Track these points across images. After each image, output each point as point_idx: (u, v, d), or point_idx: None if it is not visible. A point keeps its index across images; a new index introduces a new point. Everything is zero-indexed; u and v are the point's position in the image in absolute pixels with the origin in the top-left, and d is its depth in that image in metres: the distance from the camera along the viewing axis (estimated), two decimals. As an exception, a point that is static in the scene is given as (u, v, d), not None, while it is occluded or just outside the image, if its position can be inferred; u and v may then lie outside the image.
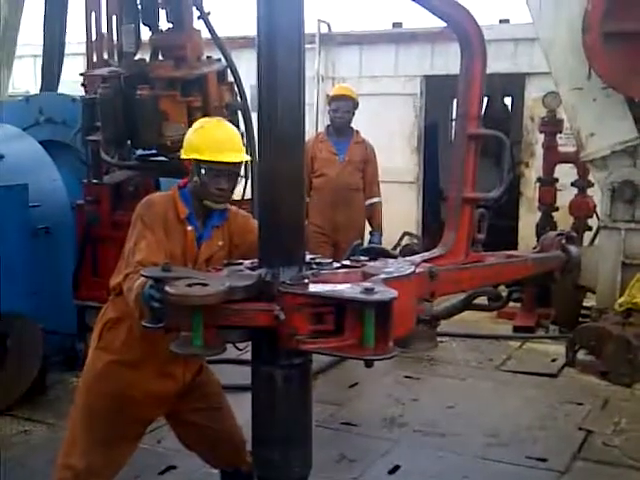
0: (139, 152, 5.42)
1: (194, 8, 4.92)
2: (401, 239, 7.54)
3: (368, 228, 6.40)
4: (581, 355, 6.08)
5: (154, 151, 5.14)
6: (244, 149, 3.05)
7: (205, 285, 2.23)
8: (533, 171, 9.57)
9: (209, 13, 4.96)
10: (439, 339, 6.70)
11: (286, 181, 2.34)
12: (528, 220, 9.19)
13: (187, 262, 2.91)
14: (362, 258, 2.61)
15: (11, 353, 5.18)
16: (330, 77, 10.33)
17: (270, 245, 2.38)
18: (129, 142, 5.18)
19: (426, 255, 2.83)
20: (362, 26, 10.80)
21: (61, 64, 7.21)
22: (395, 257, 2.79)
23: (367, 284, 2.23)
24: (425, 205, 10.93)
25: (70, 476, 3.03)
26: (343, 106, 6.21)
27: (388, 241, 8.01)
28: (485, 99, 13.14)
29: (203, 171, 2.93)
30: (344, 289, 2.24)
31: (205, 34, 5.14)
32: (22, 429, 4.81)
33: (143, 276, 2.45)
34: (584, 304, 7.10)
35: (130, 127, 4.98)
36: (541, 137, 8.10)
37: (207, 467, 3.56)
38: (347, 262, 2.58)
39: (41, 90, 7.34)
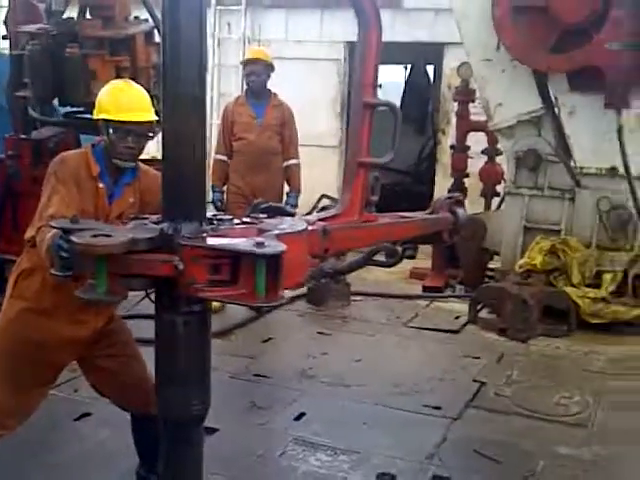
0: (64, 110, 5.49)
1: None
2: (319, 201, 7.78)
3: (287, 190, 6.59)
4: (484, 314, 6.50)
5: (81, 109, 5.24)
6: (152, 110, 3.20)
7: (109, 236, 2.40)
8: (449, 139, 9.89)
9: (136, -28, 5.04)
10: (352, 298, 6.98)
11: (187, 140, 2.50)
12: (443, 185, 9.54)
13: (99, 218, 3.05)
14: (261, 216, 2.81)
15: None
16: (256, 40, 10.43)
17: (172, 201, 2.55)
18: (57, 100, 5.26)
19: (322, 214, 3.05)
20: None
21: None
22: (292, 215, 3.00)
23: (260, 239, 2.43)
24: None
25: (-18, 416, 3.18)
26: (257, 69, 6.32)
27: (309, 203, 8.27)
28: (408, 67, 13.45)
29: (111, 130, 3.08)
30: (239, 242, 2.43)
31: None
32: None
33: (52, 227, 2.60)
34: (491, 266, 7.51)
35: (58, 85, 5.07)
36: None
37: (120, 413, 3.72)
38: (247, 219, 2.77)
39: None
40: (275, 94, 6.52)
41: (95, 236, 2.39)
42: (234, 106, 6.49)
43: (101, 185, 3.13)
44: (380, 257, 3.66)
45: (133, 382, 3.35)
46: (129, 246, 2.37)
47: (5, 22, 5.92)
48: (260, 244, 2.36)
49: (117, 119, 3.07)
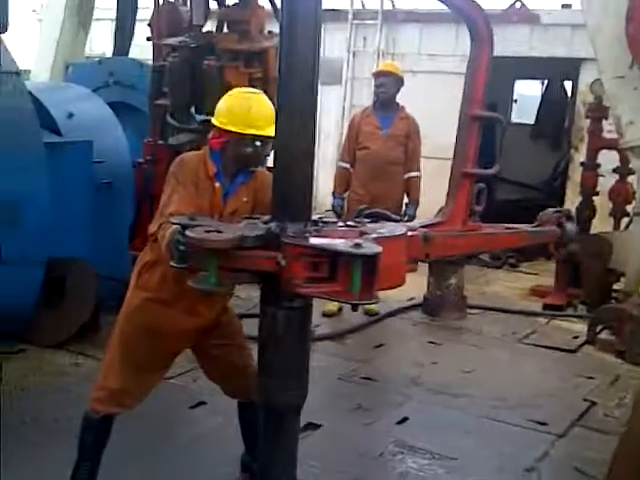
0: (201, 117, 5.85)
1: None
2: (438, 213, 7.80)
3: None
4: (604, 335, 6.35)
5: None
6: None
7: (220, 232, 2.63)
8: (581, 156, 9.66)
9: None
10: (469, 311, 7.01)
11: (298, 147, 2.69)
12: (574, 203, 9.31)
13: (214, 215, 3.28)
14: (365, 220, 2.97)
15: (68, 294, 5.73)
16: (390, 53, 10.58)
17: (281, 203, 2.74)
18: (193, 108, 5.62)
19: (425, 222, 3.17)
20: (425, 5, 11.00)
21: (133, 29, 7.65)
22: (397, 221, 3.14)
23: (358, 240, 2.59)
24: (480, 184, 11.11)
25: (105, 395, 3.48)
26: (387, 82, 6.51)
27: (428, 214, 8.31)
28: (545, 82, 13.21)
29: (244, 142, 3.29)
30: (338, 243, 2.60)
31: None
32: (74, 361, 5.35)
33: (172, 224, 2.85)
34: (615, 287, 7.30)
35: (196, 94, 5.42)
36: (593, 123, 8.21)
37: (233, 403, 3.94)
38: (350, 223, 2.94)
39: (113, 54, 7.84)
40: (403, 107, 6.67)
41: (208, 232, 2.62)
42: (361, 116, 6.70)
43: (217, 184, 3.35)
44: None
45: (239, 370, 3.57)
46: (238, 242, 2.58)
47: (150, 25, 6.29)
48: (357, 245, 2.50)
49: (247, 133, 3.27)
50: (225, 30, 5.68)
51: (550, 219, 3.68)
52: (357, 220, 3.01)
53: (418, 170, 6.56)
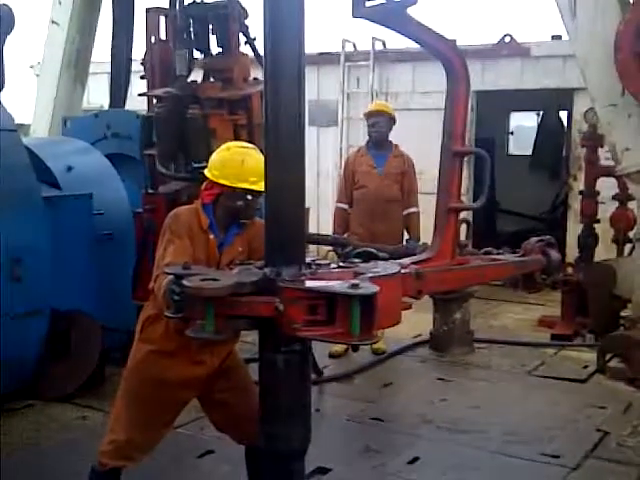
0: (196, 165, 5.89)
1: (241, 34, 5.38)
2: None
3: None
4: (614, 363, 6.30)
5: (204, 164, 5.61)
6: None
7: (216, 280, 2.63)
8: (580, 184, 9.68)
9: (255, 38, 5.41)
10: (477, 345, 6.96)
11: (288, 192, 2.70)
12: (575, 232, 9.30)
13: (211, 266, 3.29)
14: (356, 260, 2.97)
15: (73, 347, 5.72)
16: (384, 92, 10.66)
17: (274, 247, 2.75)
18: (182, 156, 5.66)
19: (415, 258, 3.17)
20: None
21: (127, 82, 7.74)
22: (385, 259, 3.14)
23: (354, 281, 2.59)
24: (480, 216, 11.09)
25: (112, 448, 3.46)
26: (379, 121, 6.58)
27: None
28: (540, 113, 13.30)
29: (235, 196, 3.33)
30: (334, 285, 2.60)
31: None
32: (81, 415, 5.31)
33: (167, 274, 2.86)
34: (622, 314, 7.26)
35: (182, 142, 5.47)
36: (589, 151, 8.24)
37: (240, 451, 3.88)
38: (342, 264, 2.94)
39: (109, 106, 7.92)
40: (396, 145, 6.73)
41: (204, 280, 2.62)
42: (355, 156, 6.76)
43: (211, 236, 3.39)
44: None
45: (247, 413, 3.52)
46: (234, 289, 2.58)
47: (143, 64, 6.28)
48: (355, 286, 2.50)
49: (238, 187, 3.31)
50: (211, 79, 5.75)
51: (534, 248, 3.68)
52: (349, 260, 3.02)
53: (416, 206, 6.59)
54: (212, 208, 3.41)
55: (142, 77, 6.22)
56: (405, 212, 6.57)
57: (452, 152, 3.15)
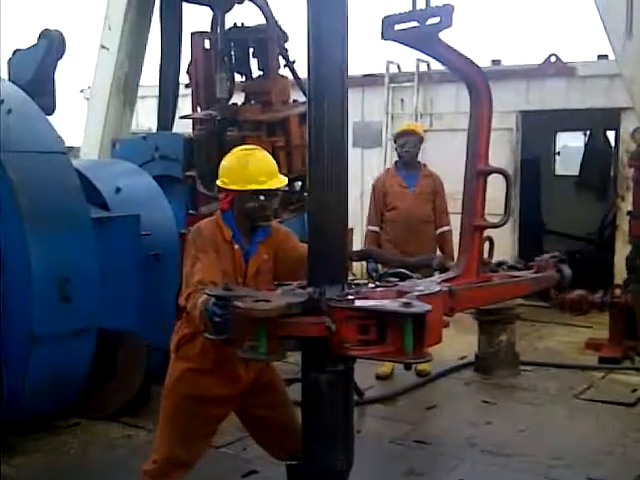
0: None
1: (280, 57, 5.46)
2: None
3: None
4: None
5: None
6: (278, 173, 3.47)
7: (268, 301, 2.65)
8: (628, 204, 9.53)
9: (294, 61, 5.48)
10: (522, 368, 6.87)
11: (331, 212, 2.73)
12: (623, 252, 9.15)
13: (237, 276, 3.34)
14: (391, 279, 2.98)
15: (120, 366, 5.79)
16: (428, 113, 10.67)
17: (317, 267, 2.77)
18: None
19: (443, 276, 3.17)
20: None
21: (175, 105, 7.88)
22: (419, 279, 3.13)
23: (405, 299, 2.59)
24: (526, 237, 10.98)
25: (155, 468, 3.50)
26: (409, 141, 6.59)
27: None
28: (587, 133, 13.14)
29: (246, 198, 3.37)
30: (386, 303, 2.61)
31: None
32: (126, 433, 5.37)
33: (207, 295, 2.88)
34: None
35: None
36: (638, 171, 8.11)
37: (282, 471, 3.83)
38: (379, 283, 2.95)
39: (157, 129, 8.07)
40: (425, 165, 6.78)
41: (256, 301, 2.64)
42: (386, 178, 6.78)
43: (236, 247, 3.41)
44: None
45: (286, 429, 3.57)
46: (285, 310, 2.59)
47: (188, 72, 6.39)
48: (407, 304, 2.51)
49: (246, 189, 3.35)
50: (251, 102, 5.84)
51: (548, 264, 3.67)
52: (385, 280, 3.02)
53: (449, 224, 6.56)
54: (232, 216, 3.44)
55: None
56: (439, 231, 6.57)
57: (476, 171, 3.18)
